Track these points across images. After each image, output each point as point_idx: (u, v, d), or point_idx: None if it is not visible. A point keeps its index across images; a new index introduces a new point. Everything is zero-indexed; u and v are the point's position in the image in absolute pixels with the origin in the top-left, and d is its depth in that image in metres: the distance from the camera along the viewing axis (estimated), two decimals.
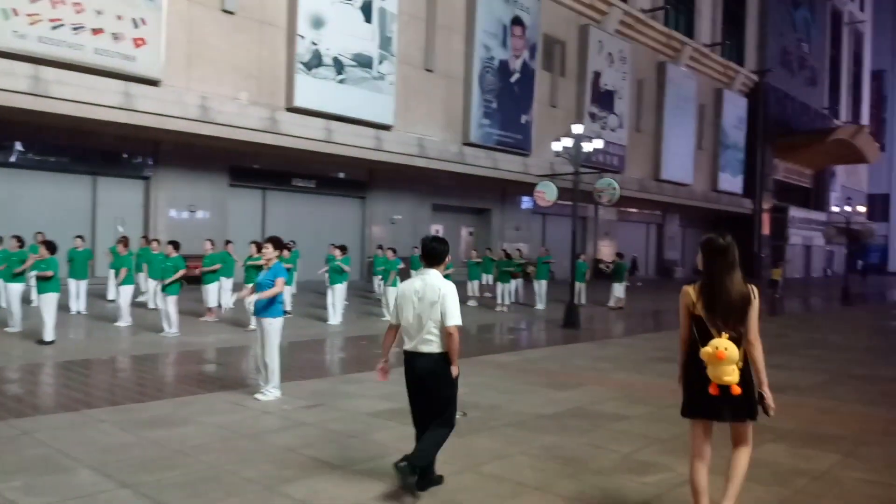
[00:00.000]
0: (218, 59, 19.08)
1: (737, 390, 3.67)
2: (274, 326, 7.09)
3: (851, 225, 38.32)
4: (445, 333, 4.44)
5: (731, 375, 3.64)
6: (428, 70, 24.75)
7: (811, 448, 5.80)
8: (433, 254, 4.62)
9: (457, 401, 4.64)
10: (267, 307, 7.08)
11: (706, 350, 3.65)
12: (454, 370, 4.50)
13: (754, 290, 3.82)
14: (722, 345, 3.63)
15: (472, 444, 5.66)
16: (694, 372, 3.83)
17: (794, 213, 47.37)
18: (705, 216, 42.38)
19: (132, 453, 5.27)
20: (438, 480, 4.70)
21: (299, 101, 20.20)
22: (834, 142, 44.39)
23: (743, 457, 3.90)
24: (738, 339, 3.74)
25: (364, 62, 21.76)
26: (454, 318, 4.42)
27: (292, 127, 19.51)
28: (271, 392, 7.09)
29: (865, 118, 62.15)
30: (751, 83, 44.19)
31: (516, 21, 27.28)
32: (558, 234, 29.57)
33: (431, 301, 4.45)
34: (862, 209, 47.78)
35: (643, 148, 35.70)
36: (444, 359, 4.47)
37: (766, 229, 43.50)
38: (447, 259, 4.74)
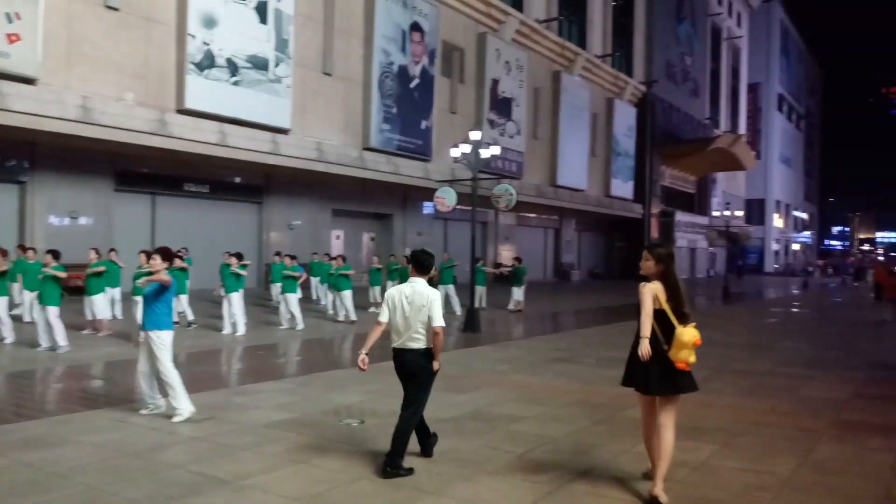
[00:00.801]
0: (101, 57, 18.10)
1: (687, 367, 4.55)
2: (163, 339, 6.67)
3: (731, 228, 40.82)
4: (432, 333, 5.17)
5: (694, 356, 4.52)
6: (326, 73, 24.46)
7: (691, 440, 6.11)
8: (422, 264, 5.33)
9: (429, 393, 5.32)
10: (154, 320, 6.73)
11: (687, 339, 4.43)
12: (436, 365, 5.21)
13: None
14: (697, 333, 4.47)
15: (370, 452, 5.62)
16: (659, 355, 4.54)
17: (680, 217, 49.96)
18: (599, 220, 44.05)
19: (3, 478, 4.90)
20: (408, 472, 5.11)
21: (190, 103, 19.45)
22: (714, 150, 47.25)
23: (672, 436, 4.66)
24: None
25: (259, 64, 21.25)
26: (439, 321, 5.14)
27: (183, 129, 18.77)
28: (184, 409, 6.54)
29: (743, 128, 66.65)
30: (639, 93, 46.31)
31: (415, 27, 27.42)
32: (460, 239, 29.86)
33: (420, 305, 5.13)
34: (740, 213, 51.06)
35: (540, 154, 36.67)
36: (427, 353, 5.20)
37: (654, 233, 45.71)
38: (433, 272, 5.40)
